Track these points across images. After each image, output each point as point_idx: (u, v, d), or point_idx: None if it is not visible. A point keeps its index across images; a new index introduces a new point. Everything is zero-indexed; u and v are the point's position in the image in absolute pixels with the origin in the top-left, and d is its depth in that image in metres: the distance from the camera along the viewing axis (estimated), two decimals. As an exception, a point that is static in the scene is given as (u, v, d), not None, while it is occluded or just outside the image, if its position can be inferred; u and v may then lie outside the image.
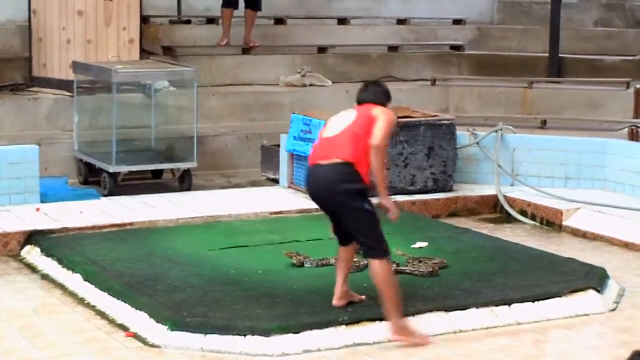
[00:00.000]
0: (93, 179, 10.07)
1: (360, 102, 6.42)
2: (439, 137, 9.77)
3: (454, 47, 15.18)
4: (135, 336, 6.18)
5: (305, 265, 7.26)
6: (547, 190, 9.73)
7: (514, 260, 7.67)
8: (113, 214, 8.69)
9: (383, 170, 6.13)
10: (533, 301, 6.76)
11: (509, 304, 6.69)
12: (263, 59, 13.44)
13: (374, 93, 6.42)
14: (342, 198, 6.09)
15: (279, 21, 14.61)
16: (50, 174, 9.81)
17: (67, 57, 11.27)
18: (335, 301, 6.34)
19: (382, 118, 6.15)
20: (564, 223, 9.21)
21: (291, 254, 7.35)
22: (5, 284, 7.31)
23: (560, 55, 14.17)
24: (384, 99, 6.40)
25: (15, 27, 12.44)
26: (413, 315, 6.37)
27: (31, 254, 7.88)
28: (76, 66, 10.61)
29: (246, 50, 13.47)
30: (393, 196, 9.41)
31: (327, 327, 6.13)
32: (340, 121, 6.26)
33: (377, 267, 6.10)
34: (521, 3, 16.73)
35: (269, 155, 10.47)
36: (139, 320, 6.31)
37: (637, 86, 12.31)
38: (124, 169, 9.80)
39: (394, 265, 6.80)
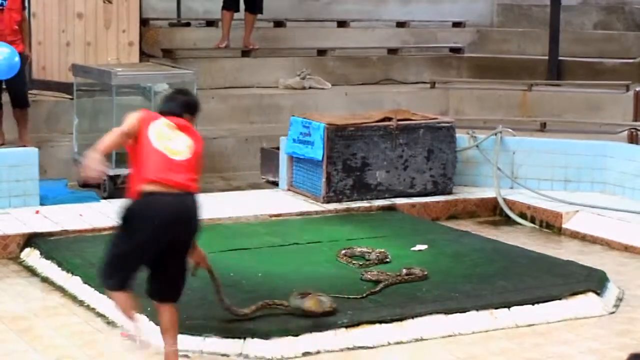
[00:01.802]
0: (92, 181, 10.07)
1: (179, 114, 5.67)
2: (438, 140, 9.77)
3: (454, 50, 15.19)
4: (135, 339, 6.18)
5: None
6: (546, 193, 9.72)
7: (513, 263, 7.67)
8: (113, 216, 8.68)
9: None
10: (533, 304, 6.76)
11: (509, 307, 6.69)
12: (263, 62, 13.44)
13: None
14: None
15: (279, 24, 14.63)
16: (49, 177, 9.81)
17: (67, 60, 11.28)
18: None
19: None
20: (563, 226, 9.20)
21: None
22: (5, 286, 7.30)
23: (560, 58, 14.17)
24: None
25: (14, 29, 12.44)
26: (413, 318, 6.38)
27: (31, 256, 7.88)
28: (76, 69, 10.61)
29: (246, 53, 13.48)
30: (393, 199, 9.48)
31: (326, 330, 6.13)
32: (179, 141, 5.54)
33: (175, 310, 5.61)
34: (521, 6, 16.74)
35: (269, 157, 10.47)
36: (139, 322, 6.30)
37: (637, 89, 12.32)
38: (124, 171, 9.78)
39: (381, 286, 6.78)
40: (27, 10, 10.87)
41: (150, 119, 5.52)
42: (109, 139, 5.42)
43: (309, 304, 6.16)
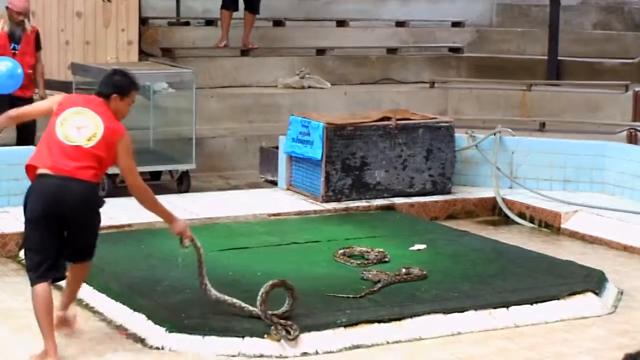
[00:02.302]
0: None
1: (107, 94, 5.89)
2: (437, 140, 9.77)
3: (453, 50, 15.20)
4: (134, 338, 6.18)
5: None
6: (545, 193, 9.72)
7: (512, 262, 7.66)
8: (111, 215, 8.67)
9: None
10: (531, 304, 6.76)
11: (508, 307, 6.69)
12: (262, 61, 13.45)
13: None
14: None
15: (278, 23, 14.63)
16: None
17: (66, 59, 11.28)
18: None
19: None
20: (562, 226, 9.21)
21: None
22: (4, 285, 7.30)
23: (559, 58, 14.19)
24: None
25: (14, 28, 12.42)
26: (411, 317, 6.38)
27: (29, 255, 7.87)
28: (75, 67, 10.61)
29: (245, 52, 13.48)
30: (392, 198, 9.48)
31: (325, 329, 6.13)
32: (86, 130, 5.73)
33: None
34: (520, 5, 16.74)
35: (268, 157, 10.47)
36: (138, 321, 6.30)
37: (636, 89, 12.33)
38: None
39: (379, 285, 6.78)
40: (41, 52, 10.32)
41: (67, 106, 5.78)
42: (36, 104, 5.98)
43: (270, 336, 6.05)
